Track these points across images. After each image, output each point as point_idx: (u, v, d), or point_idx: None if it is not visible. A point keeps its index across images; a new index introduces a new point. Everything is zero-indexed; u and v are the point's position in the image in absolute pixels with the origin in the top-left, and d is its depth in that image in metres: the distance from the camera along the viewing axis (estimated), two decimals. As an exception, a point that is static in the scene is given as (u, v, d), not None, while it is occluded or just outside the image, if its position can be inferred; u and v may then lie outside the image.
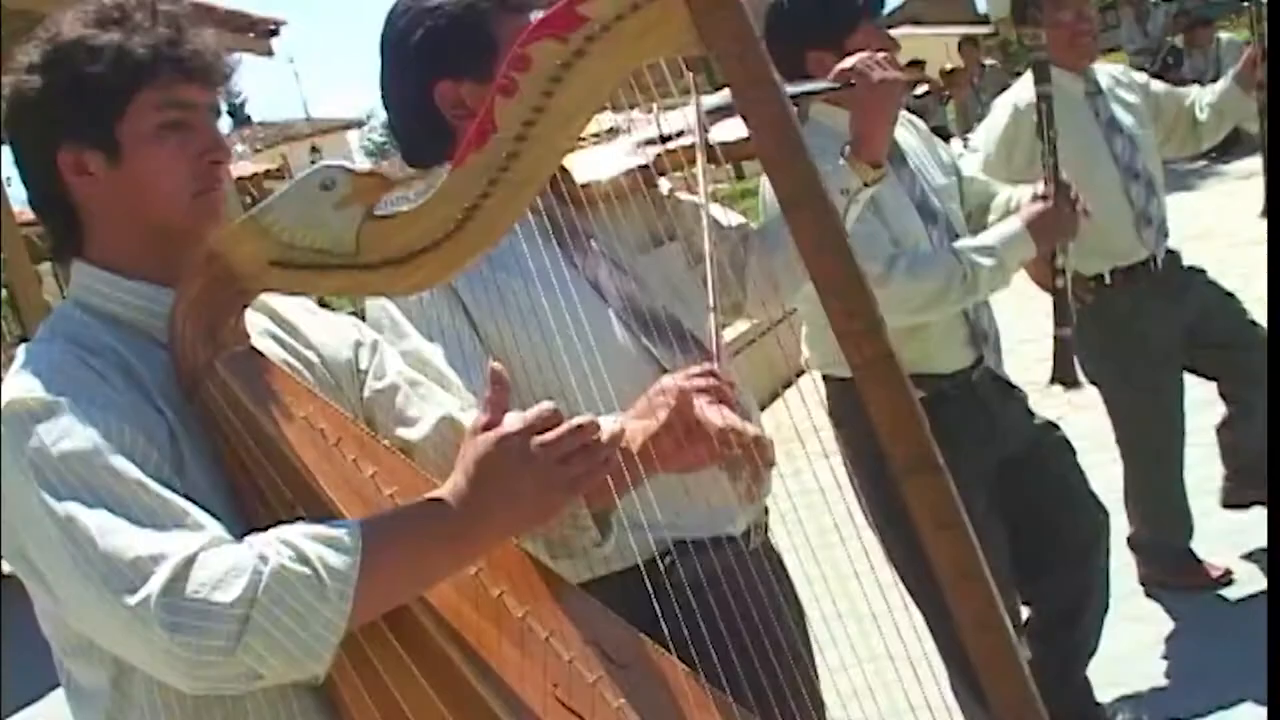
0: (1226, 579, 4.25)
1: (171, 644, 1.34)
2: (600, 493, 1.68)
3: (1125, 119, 4.07)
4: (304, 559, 1.38)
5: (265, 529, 1.43)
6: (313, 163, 1.66)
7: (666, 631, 1.79)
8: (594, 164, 2.20)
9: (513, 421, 1.48)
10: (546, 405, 1.50)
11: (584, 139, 2.20)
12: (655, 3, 1.42)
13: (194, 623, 1.34)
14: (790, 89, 2.65)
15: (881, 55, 2.40)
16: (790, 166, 1.40)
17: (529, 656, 1.52)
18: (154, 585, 1.35)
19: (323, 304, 1.91)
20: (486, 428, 1.50)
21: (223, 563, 1.36)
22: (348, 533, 1.41)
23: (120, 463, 1.43)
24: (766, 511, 2.26)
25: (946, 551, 1.42)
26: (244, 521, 1.50)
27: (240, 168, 18.51)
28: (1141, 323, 4.04)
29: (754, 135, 1.40)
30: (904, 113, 3.31)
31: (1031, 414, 3.37)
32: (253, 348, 1.61)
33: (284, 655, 1.36)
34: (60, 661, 1.59)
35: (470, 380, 1.94)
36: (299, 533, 1.40)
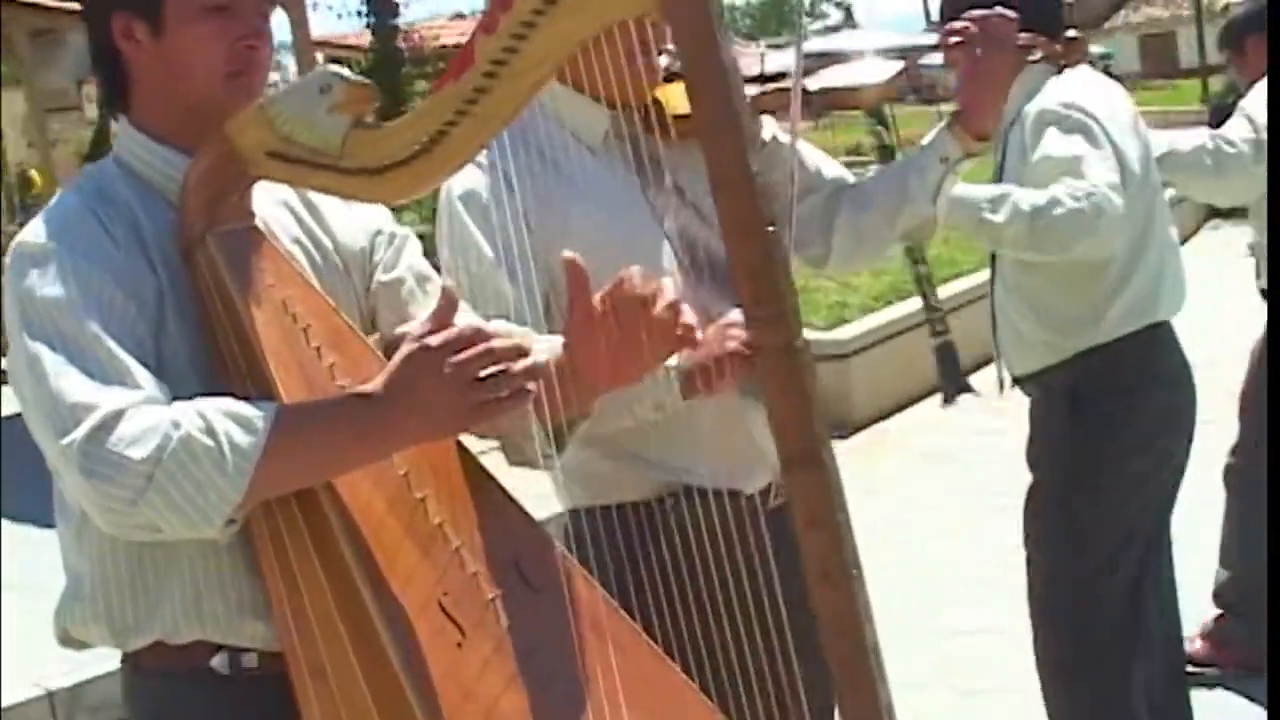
0: None
1: (86, 486, 1.49)
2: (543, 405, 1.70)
3: None
4: (211, 432, 1.49)
5: (223, 396, 1.55)
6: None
7: (654, 571, 1.82)
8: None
9: (435, 336, 1.52)
10: (470, 325, 1.53)
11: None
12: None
13: (105, 471, 1.47)
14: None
15: (998, 14, 2.16)
16: (722, 141, 1.41)
17: (429, 561, 1.60)
18: (80, 431, 1.49)
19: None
20: (420, 338, 1.55)
21: (143, 422, 1.49)
22: (261, 415, 1.51)
23: (87, 315, 1.56)
24: None
25: (813, 549, 1.43)
26: (211, 385, 1.62)
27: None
28: None
29: (691, 101, 1.41)
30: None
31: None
32: (253, 226, 1.72)
33: (180, 516, 1.49)
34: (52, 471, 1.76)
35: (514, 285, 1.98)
36: (216, 406, 1.51)
